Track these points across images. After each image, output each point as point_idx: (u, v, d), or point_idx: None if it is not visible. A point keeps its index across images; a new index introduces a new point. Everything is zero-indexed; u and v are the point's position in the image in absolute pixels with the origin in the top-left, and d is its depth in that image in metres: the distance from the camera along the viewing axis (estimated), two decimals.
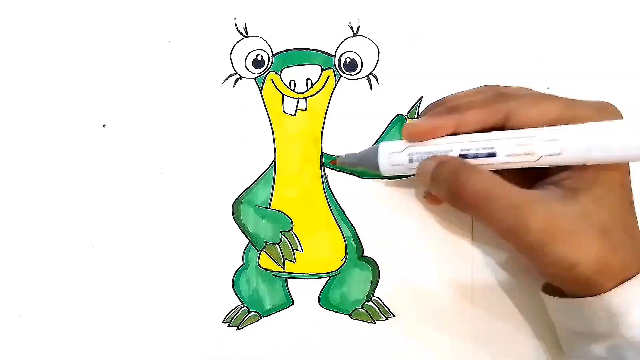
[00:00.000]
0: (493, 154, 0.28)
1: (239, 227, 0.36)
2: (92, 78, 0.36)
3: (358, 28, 0.35)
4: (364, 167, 0.33)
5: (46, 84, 0.36)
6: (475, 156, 0.29)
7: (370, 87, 0.36)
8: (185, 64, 0.36)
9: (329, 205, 0.36)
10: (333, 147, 0.36)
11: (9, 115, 0.36)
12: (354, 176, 0.36)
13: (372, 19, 0.35)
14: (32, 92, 0.36)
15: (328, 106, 0.36)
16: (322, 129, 0.36)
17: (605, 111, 0.28)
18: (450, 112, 0.29)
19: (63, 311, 0.36)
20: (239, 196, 0.36)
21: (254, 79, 0.36)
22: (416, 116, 0.36)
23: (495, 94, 0.29)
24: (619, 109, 0.29)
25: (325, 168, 0.36)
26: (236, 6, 0.35)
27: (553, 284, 0.30)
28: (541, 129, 0.28)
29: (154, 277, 0.36)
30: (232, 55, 0.35)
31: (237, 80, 0.36)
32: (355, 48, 0.35)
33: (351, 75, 0.36)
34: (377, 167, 0.32)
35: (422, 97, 0.36)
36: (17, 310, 0.36)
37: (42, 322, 0.36)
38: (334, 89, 0.36)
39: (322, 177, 0.36)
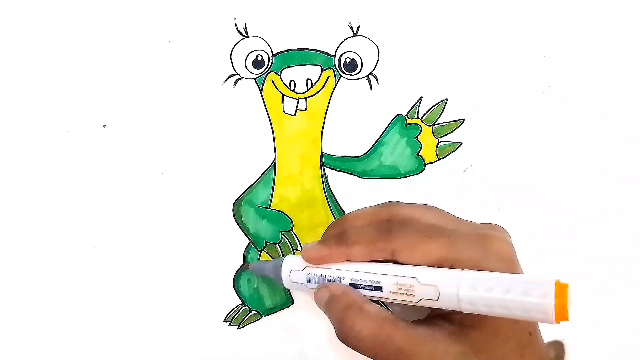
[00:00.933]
0: (379, 289, 0.28)
1: (240, 227, 0.36)
2: (92, 78, 0.36)
3: (358, 28, 0.35)
4: (271, 277, 0.33)
5: (46, 84, 0.36)
6: (364, 287, 0.29)
7: (370, 87, 0.36)
8: (185, 64, 0.36)
9: (329, 205, 0.36)
10: (333, 147, 0.36)
11: (9, 115, 0.36)
12: (354, 176, 0.36)
13: (372, 19, 0.35)
14: (32, 92, 0.36)
15: (328, 106, 0.36)
16: (322, 129, 0.36)
17: (485, 245, 0.27)
18: (339, 244, 0.29)
19: (63, 311, 0.36)
20: (239, 196, 0.36)
21: (254, 79, 0.36)
22: (416, 116, 0.36)
23: (382, 231, 0.29)
24: (503, 234, 0.28)
25: (325, 168, 0.36)
26: (236, 6, 0.35)
27: None
28: (421, 272, 0.27)
29: (155, 276, 0.36)
30: (232, 55, 0.35)
31: (237, 80, 0.36)
32: (355, 48, 0.35)
33: (351, 75, 0.36)
34: (280, 280, 0.32)
35: (422, 97, 0.36)
36: (17, 310, 0.36)
37: (42, 322, 0.36)
38: (334, 89, 0.36)
39: (322, 177, 0.36)
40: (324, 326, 0.37)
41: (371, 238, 0.29)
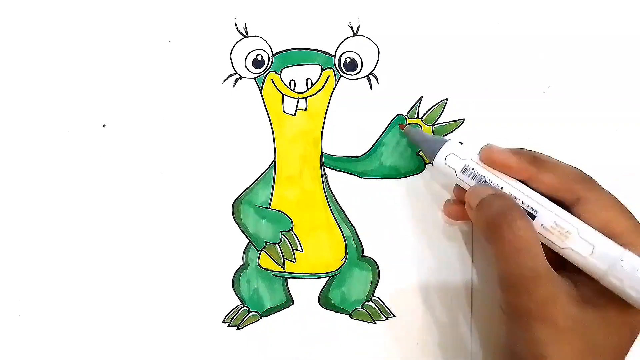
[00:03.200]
0: (532, 216, 0.29)
1: (239, 227, 0.36)
2: (92, 78, 0.36)
3: (358, 28, 0.35)
4: (423, 148, 0.33)
5: (46, 84, 0.36)
6: None
7: (370, 87, 0.36)
8: (185, 64, 0.36)
9: (329, 205, 0.36)
10: (333, 147, 0.36)
11: (9, 115, 0.36)
12: (354, 176, 0.36)
13: (372, 19, 0.35)
14: (32, 92, 0.36)
15: (328, 106, 0.36)
16: (322, 128, 0.36)
17: None
18: (531, 162, 0.30)
19: (63, 311, 0.36)
20: (239, 196, 0.36)
21: (254, 78, 0.36)
22: (416, 116, 0.36)
23: (582, 178, 0.29)
24: None
25: (325, 168, 0.36)
26: (236, 6, 0.35)
27: None
28: (584, 227, 0.28)
29: (154, 277, 0.36)
30: (232, 55, 0.35)
31: (237, 80, 0.36)
32: (355, 48, 0.35)
33: (351, 75, 0.36)
34: (432, 156, 0.32)
35: (422, 97, 0.36)
36: (17, 310, 0.36)
37: (42, 322, 0.36)
38: (334, 89, 0.36)
39: (322, 177, 0.36)
40: (324, 327, 0.37)
41: (569, 175, 0.29)
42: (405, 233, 0.36)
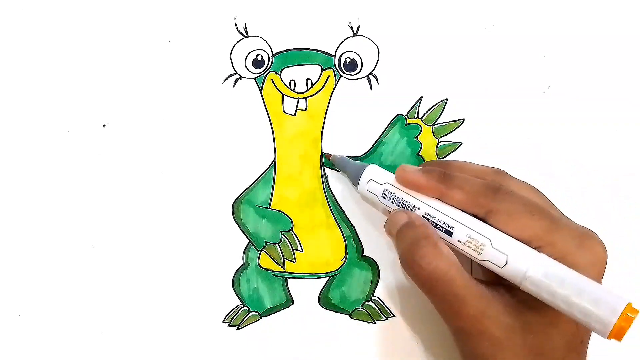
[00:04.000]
0: (450, 233, 0.29)
1: (239, 227, 0.36)
2: (92, 78, 0.36)
3: (358, 28, 0.35)
4: (347, 175, 0.34)
5: (46, 84, 0.36)
6: (435, 225, 0.30)
7: (370, 87, 0.36)
8: (185, 64, 0.36)
9: (329, 205, 0.36)
10: (333, 147, 0.36)
11: (9, 115, 0.36)
12: None
13: (372, 19, 0.35)
14: (32, 92, 0.36)
15: (328, 106, 0.36)
16: (322, 129, 0.36)
17: (584, 243, 0.28)
18: (440, 180, 0.30)
19: (63, 311, 0.36)
20: (239, 196, 0.36)
21: (254, 78, 0.36)
22: (416, 116, 0.36)
23: (488, 189, 0.29)
24: (602, 243, 0.28)
25: (325, 168, 0.36)
26: (236, 6, 0.35)
27: None
28: (497, 235, 0.28)
29: (154, 277, 0.36)
30: (232, 55, 0.35)
31: (237, 80, 0.36)
32: (355, 48, 0.35)
33: (351, 75, 0.36)
34: (356, 183, 0.33)
35: (422, 97, 0.36)
36: (17, 310, 0.36)
37: (42, 322, 0.36)
38: (334, 89, 0.36)
39: (322, 177, 0.36)
40: (324, 327, 0.37)
41: (476, 190, 0.29)
42: None
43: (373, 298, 0.36)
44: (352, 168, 0.34)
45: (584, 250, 0.27)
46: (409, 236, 0.29)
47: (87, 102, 0.36)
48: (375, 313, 0.36)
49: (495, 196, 0.29)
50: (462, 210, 0.29)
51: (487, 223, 0.29)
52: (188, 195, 0.36)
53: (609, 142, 0.36)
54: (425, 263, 0.28)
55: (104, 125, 0.36)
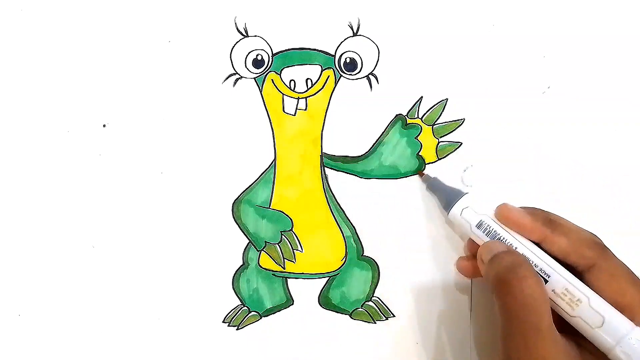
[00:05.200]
0: (545, 281, 0.29)
1: (239, 227, 0.36)
2: (92, 78, 0.36)
3: (358, 28, 0.35)
4: (440, 198, 0.34)
5: (46, 84, 0.36)
6: None
7: (370, 87, 0.36)
8: (185, 64, 0.36)
9: (329, 205, 0.36)
10: (333, 147, 0.36)
11: (9, 115, 0.36)
12: (354, 176, 0.36)
13: (372, 19, 0.35)
14: (32, 92, 0.36)
15: (328, 106, 0.36)
16: (322, 128, 0.36)
17: None
18: (546, 224, 0.30)
19: (63, 311, 0.36)
20: (239, 196, 0.36)
21: (254, 78, 0.36)
22: (416, 116, 0.36)
23: (596, 244, 0.29)
24: None
25: (325, 168, 0.36)
26: (236, 6, 0.35)
27: None
28: (594, 295, 0.28)
29: (154, 276, 0.36)
30: (232, 55, 0.35)
31: (237, 80, 0.36)
32: (355, 48, 0.35)
33: (351, 75, 0.36)
34: (448, 207, 0.33)
35: (422, 97, 0.36)
36: (17, 310, 0.36)
37: (42, 322, 0.36)
38: (334, 88, 0.36)
39: (322, 177, 0.36)
40: (324, 327, 0.36)
41: (582, 241, 0.29)
42: (405, 233, 0.36)
43: (373, 298, 0.36)
44: (447, 191, 0.34)
45: None
46: (508, 260, 0.28)
47: (87, 102, 0.36)
48: (375, 313, 0.36)
49: (601, 252, 0.29)
50: (562, 260, 0.29)
51: (582, 278, 0.29)
52: (188, 195, 0.36)
53: (609, 142, 0.36)
54: (526, 285, 0.27)
55: (104, 125, 0.36)
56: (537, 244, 0.30)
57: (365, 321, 0.37)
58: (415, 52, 0.36)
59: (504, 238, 0.31)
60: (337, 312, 0.37)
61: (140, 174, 0.36)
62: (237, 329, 0.36)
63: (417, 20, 0.36)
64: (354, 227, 0.36)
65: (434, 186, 0.35)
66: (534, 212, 0.31)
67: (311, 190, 0.36)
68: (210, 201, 0.36)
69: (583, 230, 0.30)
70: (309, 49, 0.35)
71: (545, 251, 0.30)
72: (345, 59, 0.35)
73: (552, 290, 0.29)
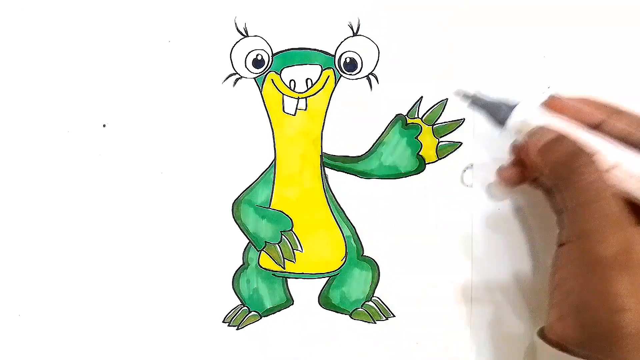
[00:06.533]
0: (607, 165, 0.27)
1: (239, 227, 0.36)
2: (92, 78, 0.36)
3: (358, 28, 0.35)
4: (490, 116, 0.31)
5: (46, 84, 0.36)
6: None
7: (370, 87, 0.36)
8: (185, 64, 0.36)
9: (329, 205, 0.36)
10: (333, 147, 0.36)
11: (9, 115, 0.36)
12: (354, 176, 0.36)
13: (372, 19, 0.35)
14: (32, 92, 0.36)
15: (328, 106, 0.36)
16: (322, 128, 0.36)
17: None
18: (600, 110, 0.28)
19: (63, 311, 0.36)
20: (239, 196, 0.36)
21: (254, 78, 0.36)
22: (416, 116, 0.36)
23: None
24: None
25: (325, 168, 0.36)
26: (236, 6, 0.35)
27: (576, 327, 0.27)
28: None
29: (154, 277, 0.36)
30: (232, 55, 0.35)
31: (237, 80, 0.36)
32: (355, 48, 0.35)
33: (351, 75, 0.36)
34: (502, 123, 0.30)
35: (422, 97, 0.36)
36: (17, 310, 0.36)
37: (42, 322, 0.36)
38: (334, 88, 0.36)
39: (322, 177, 0.36)
40: (324, 327, 0.36)
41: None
42: (405, 233, 0.36)
43: (373, 298, 0.36)
44: (494, 105, 0.30)
45: None
46: (563, 147, 0.26)
47: (87, 102, 0.36)
48: (375, 313, 0.36)
49: None
50: (623, 141, 0.27)
51: None
52: (188, 195, 0.36)
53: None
54: (586, 173, 0.25)
55: (104, 125, 0.36)
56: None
57: (365, 321, 0.37)
58: (415, 52, 0.36)
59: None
60: (337, 312, 0.37)
61: (140, 174, 0.36)
62: (237, 329, 0.36)
63: (417, 20, 0.36)
64: (354, 227, 0.36)
65: (477, 102, 0.31)
66: (586, 99, 0.29)
67: (311, 190, 0.36)
68: (210, 201, 0.36)
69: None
70: (309, 49, 0.35)
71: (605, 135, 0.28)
72: (345, 59, 0.35)
73: (616, 174, 0.26)
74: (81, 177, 0.36)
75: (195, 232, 0.36)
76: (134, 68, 0.36)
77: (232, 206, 0.36)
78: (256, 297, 0.36)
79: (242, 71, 0.36)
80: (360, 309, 0.37)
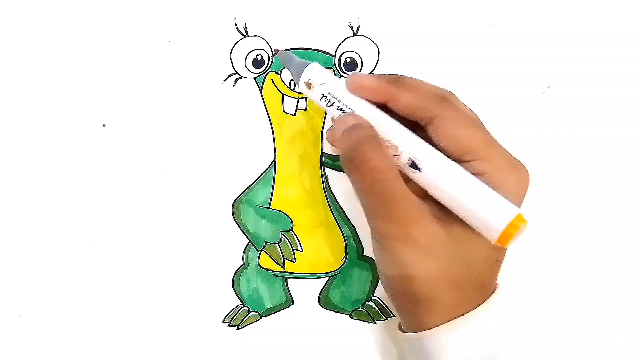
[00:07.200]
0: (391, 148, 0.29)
1: (239, 227, 0.36)
2: (92, 78, 0.36)
3: (358, 28, 0.35)
4: (290, 72, 0.31)
5: (46, 84, 0.36)
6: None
7: None
8: (185, 64, 0.36)
9: (328, 205, 0.36)
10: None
11: (9, 115, 0.36)
12: None
13: (372, 19, 0.35)
14: (32, 92, 0.36)
15: None
16: (322, 128, 0.36)
17: (514, 165, 0.28)
18: (391, 82, 0.29)
19: (63, 311, 0.36)
20: (239, 196, 0.36)
21: (254, 78, 0.36)
22: None
23: (438, 96, 0.29)
24: (528, 172, 0.29)
25: (325, 168, 0.36)
26: (236, 6, 0.35)
27: (390, 296, 0.31)
28: (416, 140, 0.28)
29: (154, 276, 0.36)
30: (232, 55, 0.35)
31: (237, 79, 0.36)
32: (355, 48, 0.35)
33: None
34: (298, 79, 0.30)
35: None
36: (17, 310, 0.36)
37: (42, 322, 0.36)
38: None
39: (322, 177, 0.36)
40: (324, 327, 0.36)
41: (425, 95, 0.29)
42: None
43: (373, 298, 0.36)
44: (295, 65, 0.31)
45: (512, 171, 0.28)
46: (355, 135, 0.28)
47: (87, 102, 0.36)
48: (375, 313, 0.36)
49: (443, 103, 0.29)
50: (407, 117, 0.29)
51: (427, 131, 0.28)
52: (188, 195, 0.36)
53: (609, 142, 0.36)
54: (367, 159, 0.27)
55: (104, 125, 0.36)
56: (385, 106, 0.29)
57: (365, 321, 0.37)
58: (415, 52, 0.36)
59: (344, 105, 0.29)
60: (337, 312, 0.37)
61: (140, 174, 0.36)
62: (237, 329, 0.36)
63: (417, 20, 0.36)
64: (354, 227, 0.36)
65: (285, 61, 0.31)
66: (379, 75, 0.30)
67: (311, 190, 0.36)
68: (210, 201, 0.36)
69: (430, 85, 0.30)
70: (309, 48, 0.35)
71: (392, 110, 0.29)
72: (345, 59, 0.35)
73: (397, 156, 0.28)
74: (81, 177, 0.36)
75: (195, 232, 0.36)
76: (134, 68, 0.36)
77: (232, 206, 0.36)
78: (256, 297, 0.36)
79: (242, 71, 0.36)
80: (360, 309, 0.37)
